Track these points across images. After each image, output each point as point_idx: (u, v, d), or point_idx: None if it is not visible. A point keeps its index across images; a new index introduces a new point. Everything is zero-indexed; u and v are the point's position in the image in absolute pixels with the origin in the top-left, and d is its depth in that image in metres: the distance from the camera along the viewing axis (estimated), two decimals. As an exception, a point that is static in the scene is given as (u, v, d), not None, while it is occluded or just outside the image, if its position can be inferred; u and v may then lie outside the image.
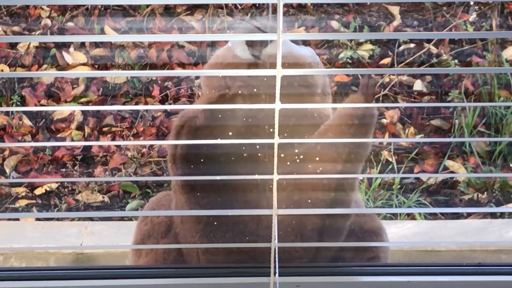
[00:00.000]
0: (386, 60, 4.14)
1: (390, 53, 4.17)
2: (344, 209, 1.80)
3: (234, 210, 1.76)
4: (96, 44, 4.19)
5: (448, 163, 3.77)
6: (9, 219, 3.42)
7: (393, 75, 4.06)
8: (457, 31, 4.21)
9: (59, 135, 3.96)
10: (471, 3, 4.24)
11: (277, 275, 1.51)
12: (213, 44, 4.12)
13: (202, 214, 1.81)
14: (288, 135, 1.70)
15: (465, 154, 3.80)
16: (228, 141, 1.79)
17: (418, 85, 4.06)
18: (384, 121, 3.96)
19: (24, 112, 4.01)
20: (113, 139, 3.88)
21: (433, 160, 3.80)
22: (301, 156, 1.77)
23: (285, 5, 4.09)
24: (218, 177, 1.83)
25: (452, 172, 3.72)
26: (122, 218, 3.51)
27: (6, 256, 3.11)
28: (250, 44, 1.79)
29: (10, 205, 3.66)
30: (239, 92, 1.78)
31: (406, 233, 3.24)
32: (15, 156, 3.87)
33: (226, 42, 1.93)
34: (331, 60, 4.15)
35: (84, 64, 4.15)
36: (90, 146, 3.84)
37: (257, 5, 4.22)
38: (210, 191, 1.77)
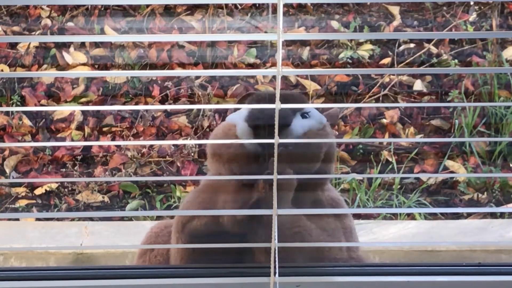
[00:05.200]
0: (386, 60, 4.15)
1: (390, 53, 4.17)
2: (346, 209, 1.80)
3: (234, 210, 1.76)
4: (96, 44, 4.19)
5: (448, 163, 3.77)
6: (9, 219, 3.42)
7: (393, 75, 4.06)
8: (457, 31, 4.22)
9: (59, 135, 3.96)
10: (471, 3, 4.24)
11: (277, 275, 1.51)
12: (213, 44, 4.12)
13: (201, 213, 1.81)
14: None
15: (465, 154, 3.80)
16: (229, 141, 1.79)
17: (418, 85, 4.06)
18: (384, 121, 3.96)
19: (24, 112, 4.01)
20: (113, 139, 3.88)
21: (433, 160, 3.80)
22: None
23: (285, 5, 4.09)
24: (218, 177, 1.83)
25: (452, 172, 3.72)
26: (122, 218, 3.51)
27: (6, 256, 3.11)
28: (253, 127, 1.78)
29: (10, 205, 3.66)
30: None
31: (406, 233, 3.24)
32: (15, 156, 3.87)
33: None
34: (331, 60, 4.15)
35: (84, 64, 4.15)
36: (90, 146, 3.84)
37: (257, 5, 4.22)
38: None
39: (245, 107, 1.82)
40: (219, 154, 1.82)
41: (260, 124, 1.73)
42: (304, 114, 1.83)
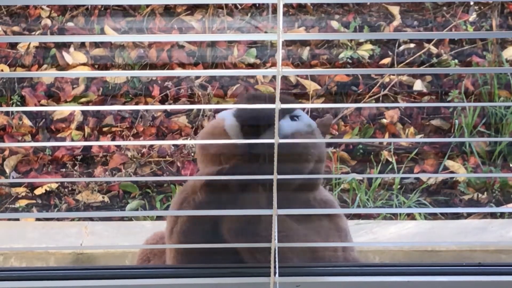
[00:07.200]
0: (386, 60, 4.15)
1: (390, 53, 4.17)
2: (346, 210, 1.80)
3: (234, 210, 1.76)
4: (96, 44, 4.19)
5: (448, 163, 3.77)
6: (9, 219, 3.42)
7: (393, 75, 4.06)
8: (457, 31, 4.22)
9: (59, 135, 3.96)
10: (471, 3, 4.24)
11: (277, 275, 1.51)
12: (213, 44, 4.12)
13: (201, 214, 1.81)
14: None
15: (465, 154, 3.80)
16: (228, 141, 1.79)
17: (418, 85, 4.06)
18: (384, 121, 3.96)
19: (24, 112, 4.01)
20: (113, 139, 3.88)
21: (433, 160, 3.80)
22: None
23: (285, 5, 4.09)
24: (219, 177, 1.83)
25: (452, 172, 3.72)
26: (122, 218, 3.51)
27: (6, 256, 3.11)
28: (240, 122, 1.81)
29: (10, 205, 3.66)
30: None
31: (406, 233, 3.24)
32: (15, 156, 3.87)
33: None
34: (331, 60, 4.15)
35: (84, 64, 4.15)
36: (90, 146, 3.84)
37: (257, 5, 4.22)
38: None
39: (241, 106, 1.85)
40: (207, 147, 1.86)
41: (247, 119, 1.76)
42: (294, 117, 1.85)
